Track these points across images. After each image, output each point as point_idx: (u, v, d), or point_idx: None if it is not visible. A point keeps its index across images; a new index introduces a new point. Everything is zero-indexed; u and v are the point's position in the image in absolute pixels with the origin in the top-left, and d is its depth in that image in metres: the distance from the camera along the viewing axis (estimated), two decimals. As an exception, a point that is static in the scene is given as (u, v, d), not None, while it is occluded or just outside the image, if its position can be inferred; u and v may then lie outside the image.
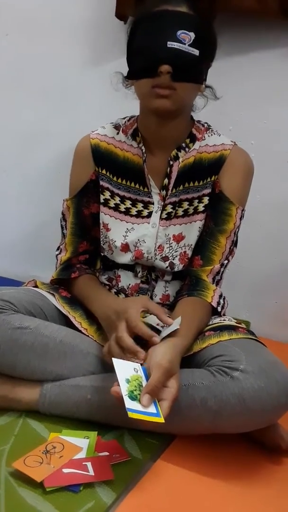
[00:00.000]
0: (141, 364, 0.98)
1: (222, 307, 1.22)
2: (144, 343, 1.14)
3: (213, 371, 1.02)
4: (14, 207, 2.01)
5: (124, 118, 1.28)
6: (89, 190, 1.27)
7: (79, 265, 1.31)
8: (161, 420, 0.90)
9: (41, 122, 1.88)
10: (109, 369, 1.13)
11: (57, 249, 1.34)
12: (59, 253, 1.33)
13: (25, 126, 1.91)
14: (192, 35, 1.07)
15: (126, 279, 1.28)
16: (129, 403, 0.89)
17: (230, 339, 1.10)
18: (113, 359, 0.97)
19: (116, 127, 1.26)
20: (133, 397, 0.91)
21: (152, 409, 0.91)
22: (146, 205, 1.24)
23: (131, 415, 0.88)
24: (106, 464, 0.98)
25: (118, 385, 0.91)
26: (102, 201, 1.26)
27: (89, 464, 0.97)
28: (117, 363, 0.96)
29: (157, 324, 1.22)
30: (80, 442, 1.03)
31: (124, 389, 0.91)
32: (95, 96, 1.77)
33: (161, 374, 0.93)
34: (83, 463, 0.97)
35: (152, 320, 1.24)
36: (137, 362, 0.98)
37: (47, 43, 1.82)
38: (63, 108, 1.84)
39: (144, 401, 0.90)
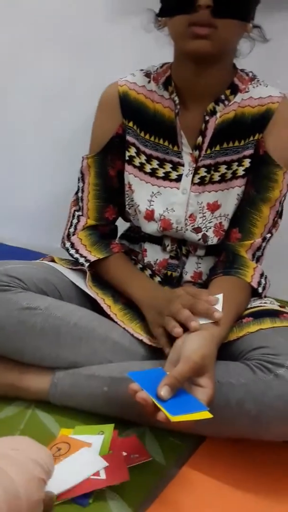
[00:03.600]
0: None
1: (264, 288, 1.10)
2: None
3: (252, 366, 0.89)
4: (35, 174, 1.91)
5: (156, 65, 1.14)
6: (114, 146, 1.14)
7: (113, 240, 1.19)
8: (208, 415, 0.77)
9: (63, 82, 1.75)
10: (131, 358, 1.01)
11: (75, 204, 1.20)
12: (80, 213, 1.19)
13: (47, 85, 1.78)
14: None
15: (153, 254, 1.17)
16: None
17: (273, 327, 0.97)
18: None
19: (147, 74, 1.13)
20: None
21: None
22: (175, 166, 1.10)
23: (174, 419, 0.75)
24: (122, 464, 0.85)
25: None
26: (127, 158, 1.13)
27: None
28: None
29: None
30: (93, 439, 0.91)
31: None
32: (123, 50, 1.61)
33: (188, 369, 0.80)
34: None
35: None
36: None
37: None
38: (88, 65, 1.69)
39: (163, 391, 0.77)
